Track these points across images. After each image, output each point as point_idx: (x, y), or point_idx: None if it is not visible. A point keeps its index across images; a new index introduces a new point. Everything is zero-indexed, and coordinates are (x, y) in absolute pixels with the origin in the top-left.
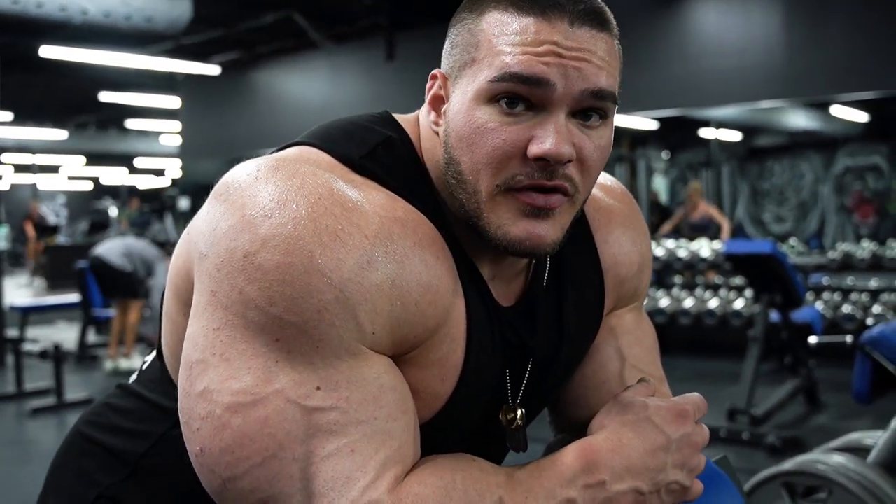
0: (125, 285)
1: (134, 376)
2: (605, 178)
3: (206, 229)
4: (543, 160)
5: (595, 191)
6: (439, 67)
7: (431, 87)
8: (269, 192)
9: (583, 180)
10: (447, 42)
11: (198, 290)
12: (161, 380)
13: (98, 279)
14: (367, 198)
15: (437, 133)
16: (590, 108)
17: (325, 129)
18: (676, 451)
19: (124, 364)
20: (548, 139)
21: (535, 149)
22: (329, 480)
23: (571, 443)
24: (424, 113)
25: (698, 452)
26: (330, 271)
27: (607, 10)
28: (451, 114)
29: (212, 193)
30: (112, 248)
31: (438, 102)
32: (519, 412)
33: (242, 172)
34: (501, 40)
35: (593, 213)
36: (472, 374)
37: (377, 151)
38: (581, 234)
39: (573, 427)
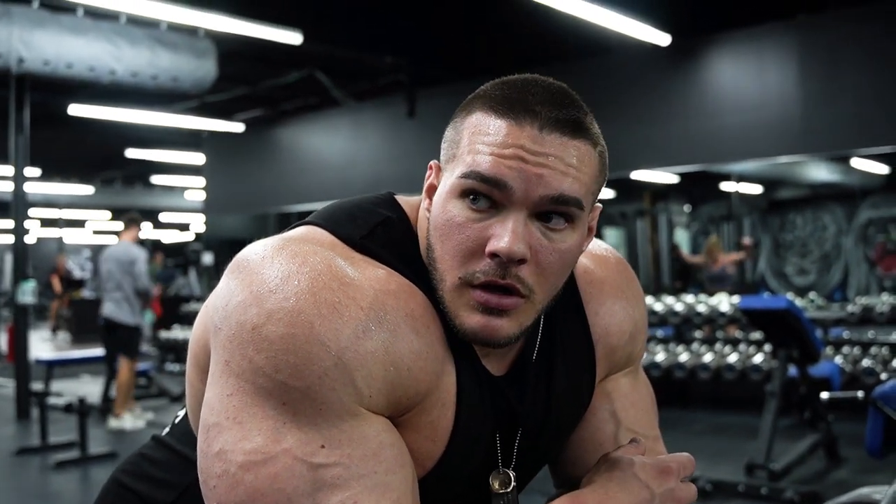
0: (121, 339)
1: (167, 429)
2: (600, 248)
3: (220, 304)
4: (497, 257)
5: (588, 263)
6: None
7: (429, 176)
8: (274, 270)
9: (538, 282)
10: (444, 136)
11: (213, 359)
12: (190, 434)
13: (104, 334)
14: (363, 273)
15: (427, 219)
16: (552, 212)
17: (331, 211)
18: None
19: (114, 424)
20: (503, 238)
21: (490, 246)
22: None
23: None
24: (424, 197)
25: None
26: (329, 340)
27: (588, 119)
28: (433, 204)
29: (226, 270)
30: (111, 299)
31: (432, 191)
32: (511, 475)
33: (252, 251)
34: (476, 139)
35: (585, 285)
36: (461, 437)
37: (376, 231)
38: (573, 306)
39: (572, 485)
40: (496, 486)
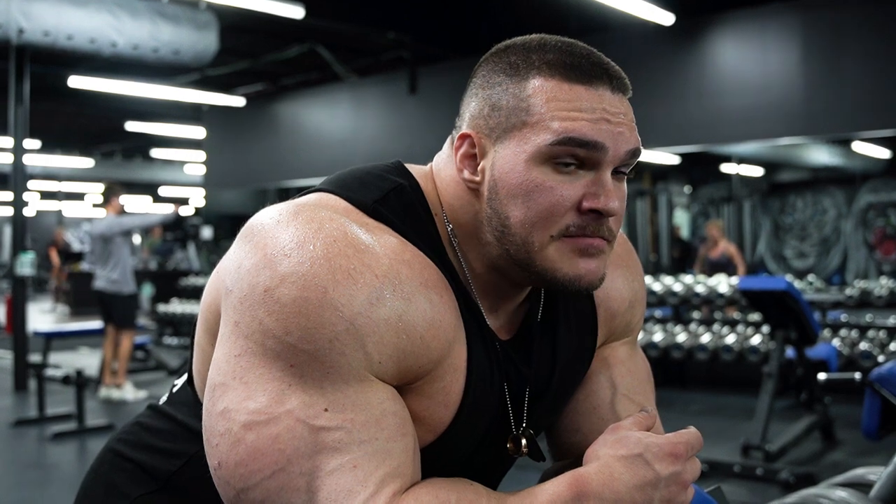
0: (119, 311)
1: (164, 398)
2: None
3: (232, 267)
4: (596, 213)
5: None
6: (458, 109)
7: (460, 146)
8: (289, 234)
9: (615, 228)
10: (482, 104)
11: (223, 321)
12: (193, 403)
13: (100, 307)
14: (379, 241)
15: (472, 189)
16: (626, 165)
17: (343, 178)
18: (665, 487)
19: (116, 394)
20: (601, 196)
21: (590, 203)
22: (332, 493)
23: (565, 472)
24: (445, 166)
25: (685, 490)
26: (342, 306)
27: None
28: (499, 172)
29: (238, 235)
30: (102, 272)
31: (471, 160)
32: (524, 441)
33: (266, 216)
34: (554, 106)
35: None
36: (472, 402)
37: (389, 197)
38: None
39: (567, 450)
40: (513, 450)
